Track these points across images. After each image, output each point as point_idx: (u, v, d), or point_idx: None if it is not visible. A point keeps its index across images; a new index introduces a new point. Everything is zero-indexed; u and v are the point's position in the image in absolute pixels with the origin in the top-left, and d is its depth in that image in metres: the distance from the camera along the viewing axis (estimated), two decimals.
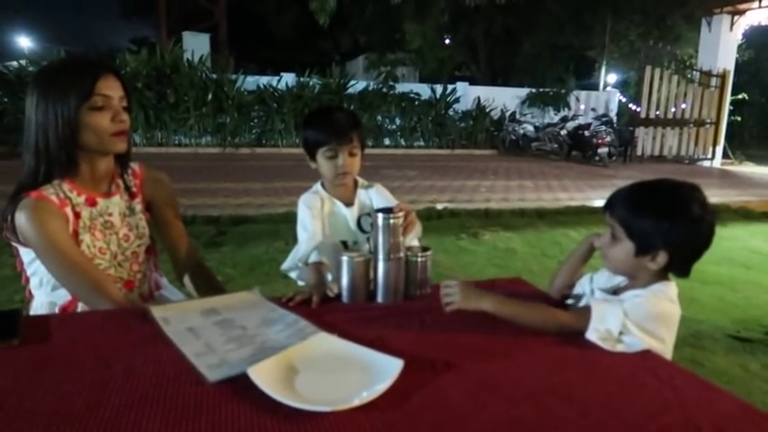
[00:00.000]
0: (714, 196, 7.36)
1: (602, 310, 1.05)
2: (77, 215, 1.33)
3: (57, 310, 1.34)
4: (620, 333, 1.02)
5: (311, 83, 13.18)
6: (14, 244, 1.33)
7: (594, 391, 0.86)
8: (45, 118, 1.27)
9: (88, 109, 1.27)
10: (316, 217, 1.49)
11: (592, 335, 1.03)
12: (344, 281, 1.23)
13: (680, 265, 1.10)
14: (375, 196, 1.57)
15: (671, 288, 1.09)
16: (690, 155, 13.27)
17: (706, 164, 13.13)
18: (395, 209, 1.26)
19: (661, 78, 12.71)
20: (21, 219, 1.24)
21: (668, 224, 1.06)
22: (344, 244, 1.50)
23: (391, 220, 1.23)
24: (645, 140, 12.99)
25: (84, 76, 1.28)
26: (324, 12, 14.37)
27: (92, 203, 1.37)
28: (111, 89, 1.31)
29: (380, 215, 1.23)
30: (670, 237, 1.05)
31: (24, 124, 1.31)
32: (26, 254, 1.33)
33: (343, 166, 1.47)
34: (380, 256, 1.23)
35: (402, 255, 1.25)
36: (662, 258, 1.07)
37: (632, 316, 1.02)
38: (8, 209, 1.27)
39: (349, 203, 1.55)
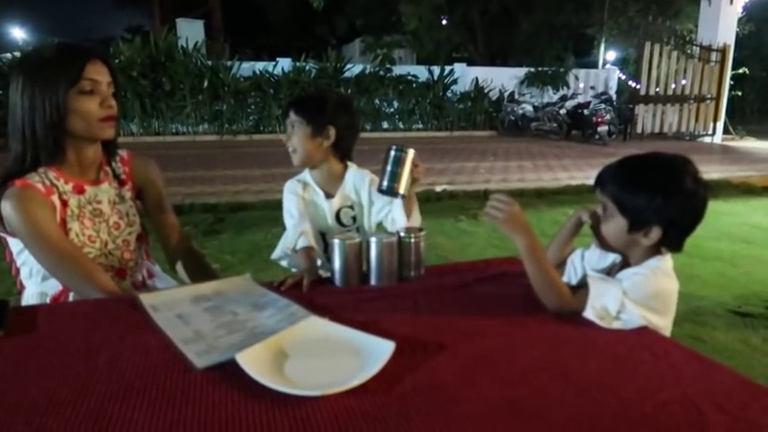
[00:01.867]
0: (715, 172, 7.33)
1: (600, 288, 1.03)
2: (65, 203, 1.31)
3: (48, 301, 1.32)
4: (618, 311, 1.00)
5: (307, 68, 13.08)
6: (2, 234, 1.31)
7: (590, 370, 0.84)
8: (32, 103, 1.24)
9: (76, 93, 1.24)
10: (300, 203, 1.48)
11: (589, 312, 1.01)
12: (337, 264, 1.21)
13: (673, 240, 1.08)
14: (362, 184, 1.52)
15: (667, 262, 1.07)
16: (690, 131, 13.19)
17: (707, 140, 13.05)
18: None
19: (660, 54, 12.58)
20: (6, 208, 1.22)
21: (662, 199, 1.03)
22: (322, 235, 1.47)
23: (403, 153, 1.24)
24: (645, 118, 12.90)
25: (73, 60, 1.25)
26: None
27: (80, 191, 1.35)
28: (100, 74, 1.28)
29: (394, 146, 1.24)
30: (664, 212, 1.03)
31: (9, 111, 1.28)
32: (15, 244, 1.31)
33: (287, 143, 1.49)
34: (385, 184, 1.23)
35: (405, 191, 1.25)
36: (655, 234, 1.05)
37: (632, 294, 1.00)
38: None
39: (331, 194, 1.52)
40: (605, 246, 1.13)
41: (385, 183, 1.24)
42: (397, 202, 1.35)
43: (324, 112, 1.45)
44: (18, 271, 1.37)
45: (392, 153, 1.24)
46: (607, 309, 1.00)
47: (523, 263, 1.09)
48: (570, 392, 0.78)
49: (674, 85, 12.85)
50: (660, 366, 0.85)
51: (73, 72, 1.24)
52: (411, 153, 1.25)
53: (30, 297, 1.35)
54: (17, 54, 11.71)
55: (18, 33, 19.87)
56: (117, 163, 1.46)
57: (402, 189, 1.25)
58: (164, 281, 1.54)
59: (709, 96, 12.96)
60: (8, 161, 1.30)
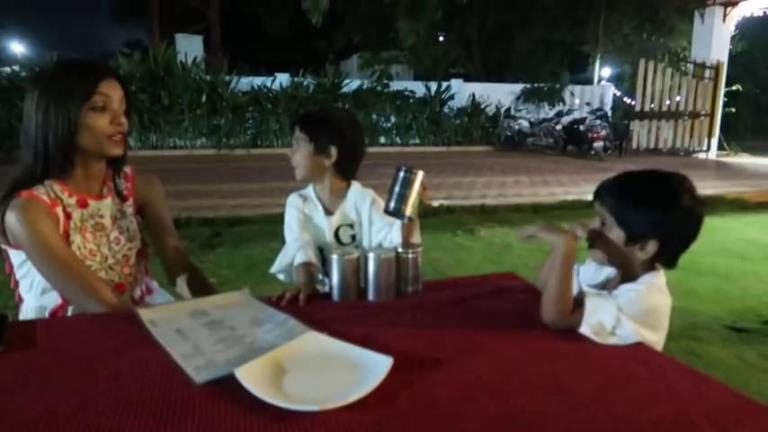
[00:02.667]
0: (709, 188, 7.38)
1: (596, 304, 1.04)
2: (68, 216, 1.32)
3: (46, 314, 1.32)
4: (614, 327, 1.01)
5: (305, 83, 13.16)
6: (4, 246, 1.31)
7: (586, 385, 0.85)
8: (45, 117, 1.26)
9: (89, 109, 1.26)
10: (300, 218, 1.49)
11: (585, 328, 1.02)
12: (335, 279, 1.22)
13: (669, 255, 1.09)
14: (364, 203, 1.51)
15: (661, 278, 1.09)
16: (685, 147, 13.29)
17: (701, 156, 13.14)
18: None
19: (655, 71, 12.72)
20: (11, 218, 1.23)
21: (660, 214, 1.06)
22: (321, 250, 1.47)
23: (411, 174, 1.23)
24: (640, 133, 13.00)
25: (87, 77, 1.27)
26: (317, 11, 14.35)
27: (83, 205, 1.36)
28: (112, 91, 1.29)
29: (403, 167, 1.24)
30: (661, 227, 1.05)
31: (23, 123, 1.30)
32: (16, 256, 1.31)
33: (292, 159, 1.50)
34: (392, 205, 1.23)
35: (411, 212, 1.24)
36: (651, 248, 1.07)
37: (627, 310, 1.01)
38: (0, 208, 1.25)
39: (331, 211, 1.52)
40: (600, 258, 1.14)
41: (392, 204, 1.23)
42: (397, 223, 1.34)
43: (327, 131, 1.46)
44: (17, 284, 1.37)
45: (401, 174, 1.23)
46: (603, 324, 1.01)
47: (552, 264, 1.10)
48: (566, 407, 0.79)
49: (668, 102, 12.98)
50: (655, 382, 0.86)
51: (86, 88, 1.25)
52: (420, 175, 1.24)
53: (28, 310, 1.35)
54: (16, 68, 11.78)
55: (17, 48, 19.99)
56: (120, 179, 1.47)
57: (409, 211, 1.23)
58: (162, 296, 1.55)
59: (703, 113, 13.09)
60: (18, 172, 1.31)
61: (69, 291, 1.28)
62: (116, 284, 1.40)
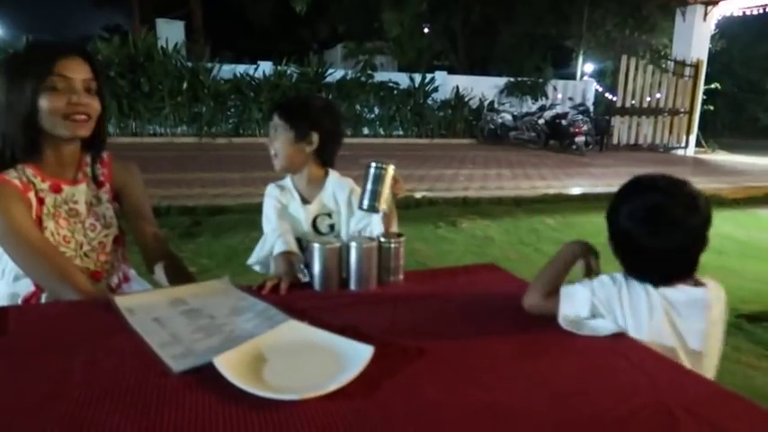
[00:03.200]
0: None
1: (570, 292, 1.04)
2: (41, 201, 1.28)
3: (19, 302, 1.29)
4: (593, 316, 1.02)
5: (289, 72, 13.02)
6: None
7: (567, 376, 0.86)
8: (7, 100, 1.24)
9: (44, 90, 1.22)
10: (278, 208, 1.47)
11: (561, 321, 1.02)
12: (316, 268, 1.21)
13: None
14: (342, 193, 1.49)
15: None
16: (664, 143, 13.49)
17: (680, 152, 13.36)
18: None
19: (636, 68, 12.87)
20: None
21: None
22: (299, 241, 1.45)
23: (383, 170, 1.24)
24: (621, 129, 13.16)
25: (43, 57, 1.24)
26: None
27: (56, 190, 1.32)
28: (73, 71, 1.25)
29: (373, 164, 1.25)
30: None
31: None
32: None
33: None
34: (365, 203, 1.24)
35: (385, 206, 1.25)
36: None
37: (599, 294, 1.02)
38: None
39: (309, 200, 1.50)
40: None
41: (365, 201, 1.24)
42: (377, 216, 1.34)
43: (308, 117, 1.44)
44: None
45: (372, 170, 1.24)
46: (578, 314, 1.02)
47: (558, 253, 1.14)
48: (548, 398, 0.79)
49: (649, 98, 13.15)
50: (635, 373, 0.86)
51: (41, 69, 1.22)
52: (391, 170, 1.25)
53: (0, 298, 1.31)
54: None
55: None
56: (96, 164, 1.43)
57: (382, 206, 1.25)
58: (139, 284, 1.52)
59: (682, 110, 13.29)
60: None
61: (43, 277, 1.24)
62: (92, 272, 1.37)
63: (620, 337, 0.99)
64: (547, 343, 0.98)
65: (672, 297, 1.01)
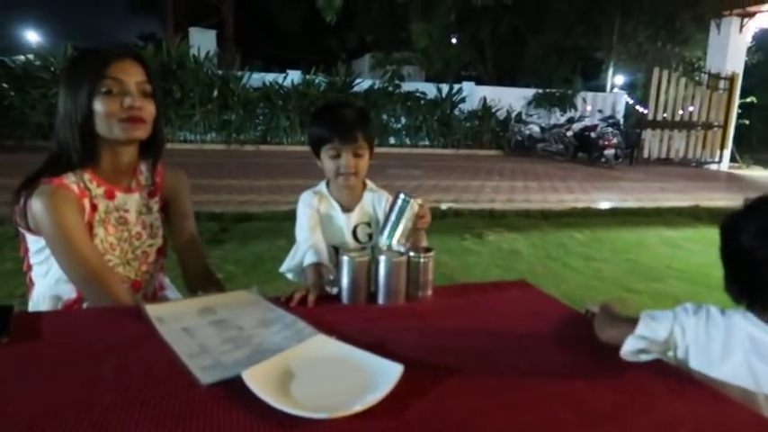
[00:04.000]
0: (721, 200, 7.30)
1: (653, 314, 0.98)
2: (94, 207, 1.29)
3: (59, 306, 1.30)
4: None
5: (317, 81, 13.17)
6: (23, 230, 1.28)
7: (603, 401, 0.82)
8: (64, 106, 1.26)
9: (99, 94, 1.23)
10: (313, 217, 1.46)
11: (629, 343, 0.94)
12: (345, 281, 1.20)
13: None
14: (381, 206, 1.50)
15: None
16: (697, 158, 13.19)
17: (713, 167, 13.04)
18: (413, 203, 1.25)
19: (669, 80, 12.64)
20: (37, 205, 1.20)
21: None
22: (336, 249, 1.44)
23: (411, 202, 1.23)
24: (651, 143, 12.92)
25: (96, 62, 1.25)
26: (330, 9, 14.36)
27: (110, 196, 1.33)
28: (127, 73, 1.25)
29: (402, 194, 1.24)
30: None
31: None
32: (34, 242, 1.28)
33: (345, 166, 1.42)
34: (385, 237, 1.22)
35: (408, 243, 1.23)
36: None
37: (681, 318, 0.96)
38: (23, 193, 1.23)
39: (349, 209, 1.50)
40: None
41: (386, 239, 1.25)
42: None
43: (372, 132, 1.48)
44: (30, 267, 1.34)
45: (399, 203, 1.23)
46: (656, 337, 0.95)
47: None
48: (582, 424, 0.76)
49: (681, 112, 12.89)
50: (675, 402, 0.83)
51: (95, 73, 1.23)
52: (416, 206, 1.24)
53: (40, 297, 1.32)
54: (30, 57, 11.84)
55: (32, 37, 20.11)
56: (152, 171, 1.43)
57: (402, 242, 1.24)
58: (173, 293, 1.52)
59: (716, 124, 12.99)
60: (43, 160, 1.30)
61: (86, 287, 1.25)
62: (132, 281, 1.37)
63: (659, 363, 0.95)
64: (581, 365, 0.95)
65: (758, 336, 0.92)
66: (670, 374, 0.92)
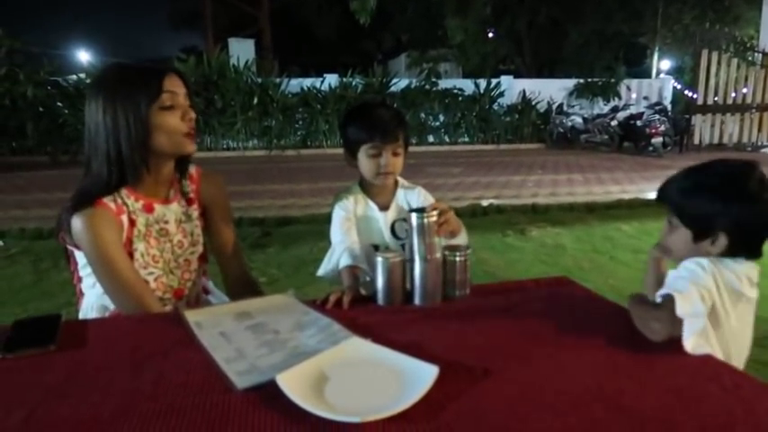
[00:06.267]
0: None
1: (678, 292, 0.95)
2: (132, 222, 1.30)
3: (107, 315, 1.34)
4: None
5: (354, 83, 13.26)
6: (69, 246, 1.32)
7: (649, 402, 0.78)
8: (114, 122, 1.23)
9: (158, 109, 1.24)
10: (349, 219, 1.45)
11: (688, 322, 0.92)
12: (380, 282, 1.19)
13: (745, 247, 1.03)
14: (415, 200, 1.50)
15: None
16: (753, 142, 12.56)
17: None
18: (428, 208, 1.20)
19: (719, 62, 12.09)
20: (77, 224, 1.23)
21: (721, 203, 1.00)
22: (376, 248, 1.44)
23: (425, 220, 1.17)
24: (702, 128, 12.40)
25: (151, 76, 1.25)
26: (364, 11, 14.40)
27: (149, 210, 1.35)
28: (178, 87, 1.28)
29: (414, 215, 1.18)
30: (725, 217, 1.00)
31: (86, 133, 1.28)
32: (81, 256, 1.32)
33: (385, 165, 1.42)
34: (416, 257, 1.18)
35: (439, 255, 1.19)
36: (722, 241, 1.01)
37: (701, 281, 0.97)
38: (67, 211, 1.25)
39: (385, 207, 1.50)
40: (678, 259, 1.08)
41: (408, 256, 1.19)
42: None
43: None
44: (80, 279, 1.38)
45: (414, 224, 1.17)
46: (696, 311, 0.93)
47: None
48: (627, 426, 0.72)
49: (734, 94, 12.30)
50: (729, 400, 0.78)
51: (153, 87, 1.23)
52: (431, 219, 1.17)
53: (89, 306, 1.37)
54: (81, 75, 12.38)
55: (83, 56, 21.04)
56: (186, 180, 1.45)
57: (435, 255, 1.18)
58: (217, 297, 1.54)
59: None
60: (87, 181, 1.28)
61: (120, 301, 1.28)
62: (175, 290, 1.40)
63: (708, 359, 0.90)
64: (625, 364, 0.90)
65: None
66: (723, 371, 0.87)
